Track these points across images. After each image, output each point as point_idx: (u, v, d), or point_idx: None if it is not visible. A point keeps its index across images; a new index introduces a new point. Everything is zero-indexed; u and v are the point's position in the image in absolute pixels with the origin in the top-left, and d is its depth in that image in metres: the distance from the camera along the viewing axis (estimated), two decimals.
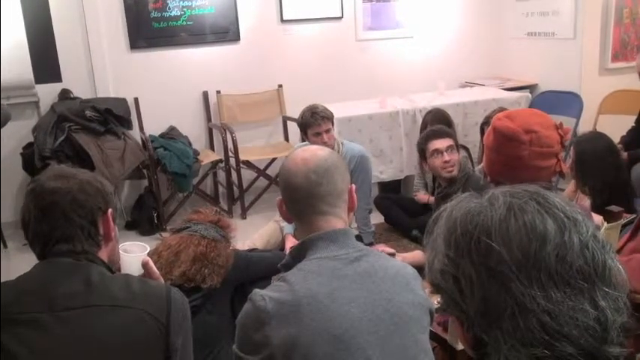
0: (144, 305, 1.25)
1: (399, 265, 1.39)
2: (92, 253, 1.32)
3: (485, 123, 3.59)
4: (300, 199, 1.39)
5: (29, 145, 4.28)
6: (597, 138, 2.97)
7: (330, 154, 1.45)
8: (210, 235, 2.25)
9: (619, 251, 1.95)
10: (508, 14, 5.50)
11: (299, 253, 1.37)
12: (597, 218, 1.88)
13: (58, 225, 1.29)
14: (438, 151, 3.08)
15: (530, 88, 5.19)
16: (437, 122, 3.81)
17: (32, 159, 4.12)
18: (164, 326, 1.24)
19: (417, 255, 3.17)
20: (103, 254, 1.37)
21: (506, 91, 4.91)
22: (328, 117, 3.49)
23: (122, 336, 1.20)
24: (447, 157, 3.05)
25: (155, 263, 2.21)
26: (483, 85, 5.30)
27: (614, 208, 1.63)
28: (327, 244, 1.35)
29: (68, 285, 1.24)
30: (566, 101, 4.72)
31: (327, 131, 3.48)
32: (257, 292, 1.28)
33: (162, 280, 1.43)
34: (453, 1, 5.50)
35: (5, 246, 4.24)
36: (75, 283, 1.24)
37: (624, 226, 2.18)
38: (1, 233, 4.21)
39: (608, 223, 1.61)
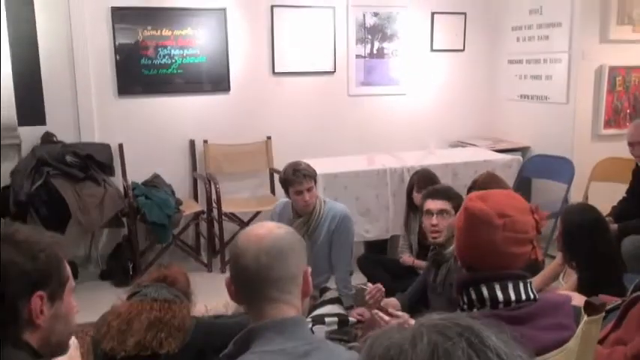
0: None
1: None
2: (13, 336, 1.18)
3: (472, 187, 3.50)
4: (247, 281, 1.27)
5: (6, 188, 4.17)
6: (586, 210, 2.86)
7: (287, 233, 1.33)
8: (162, 295, 2.11)
9: (601, 342, 1.82)
10: (502, 76, 5.50)
11: (243, 343, 1.24)
12: (579, 300, 1.75)
13: None
14: (429, 212, 2.93)
15: (522, 150, 5.13)
16: (423, 183, 3.72)
17: (7, 203, 4.01)
18: None
19: (391, 303, 2.95)
20: (32, 338, 1.22)
21: (497, 153, 4.84)
22: (311, 175, 3.39)
23: None
24: (434, 220, 2.88)
25: (105, 334, 2.08)
26: (475, 145, 5.24)
27: (594, 299, 1.51)
28: (274, 336, 1.22)
29: None
30: (558, 166, 4.65)
31: (309, 190, 3.38)
32: None
33: None
34: (448, 60, 5.50)
35: None
36: None
37: (609, 311, 2.06)
38: None
39: (588, 316, 1.49)
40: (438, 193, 2.80)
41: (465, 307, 1.45)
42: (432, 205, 2.76)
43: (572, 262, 2.75)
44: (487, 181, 3.47)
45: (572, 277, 2.79)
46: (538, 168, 4.81)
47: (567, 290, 2.84)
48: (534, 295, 1.44)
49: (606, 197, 4.02)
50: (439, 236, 2.77)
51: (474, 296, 1.43)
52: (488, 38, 5.54)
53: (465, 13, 5.44)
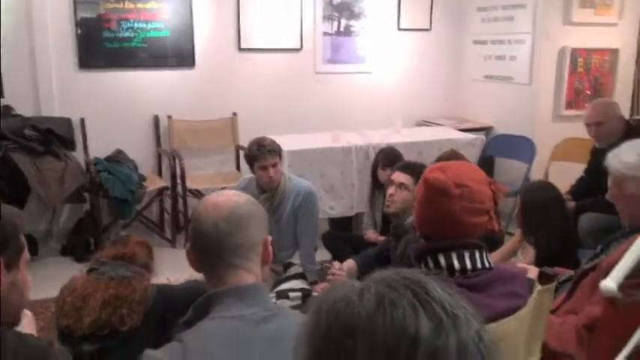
0: None
1: None
2: None
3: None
4: (207, 248, 1.27)
5: None
6: (544, 188, 2.93)
7: (246, 201, 1.33)
8: (120, 274, 2.08)
9: (554, 311, 1.87)
10: (467, 56, 5.54)
11: (202, 309, 1.24)
12: (534, 273, 1.80)
13: None
14: (391, 182, 2.95)
15: (486, 130, 5.20)
16: (387, 161, 3.76)
17: None
18: None
19: (349, 266, 3.07)
20: None
21: (461, 132, 4.91)
22: (275, 151, 3.38)
23: None
24: (391, 190, 2.90)
25: (60, 309, 2.05)
26: (440, 124, 5.29)
27: (547, 269, 1.56)
28: (233, 301, 1.22)
29: None
30: (520, 146, 4.73)
31: (274, 165, 3.38)
32: (148, 354, 1.15)
33: None
34: (415, 39, 5.51)
35: None
36: None
37: (562, 282, 2.12)
38: None
39: (542, 285, 1.54)
40: (406, 167, 2.84)
41: None
42: (396, 176, 2.82)
43: (530, 238, 2.82)
44: (450, 158, 3.52)
45: (530, 252, 2.86)
46: (500, 147, 4.90)
47: (513, 244, 2.94)
48: (490, 265, 1.47)
49: (566, 176, 4.12)
50: (391, 207, 2.83)
51: (431, 265, 1.46)
52: (454, 18, 5.57)
53: None
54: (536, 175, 4.58)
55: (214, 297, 1.24)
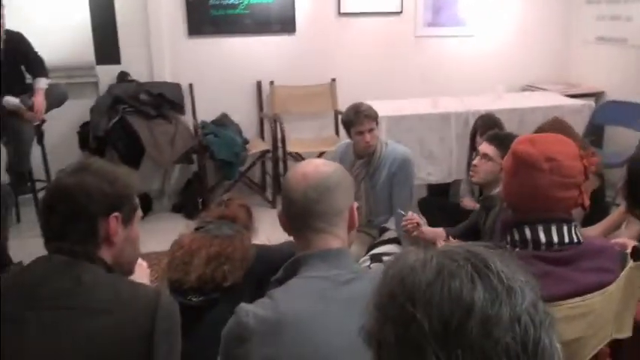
0: (127, 311, 1.25)
1: None
2: (91, 252, 1.33)
3: (538, 132, 3.43)
4: (296, 214, 1.36)
5: (86, 124, 4.43)
6: None
7: (335, 170, 1.40)
8: (223, 232, 2.24)
9: None
10: (577, 16, 5.23)
11: (291, 269, 1.35)
12: (630, 248, 1.75)
13: (55, 222, 1.32)
14: (478, 152, 2.91)
15: (596, 96, 4.93)
16: (487, 128, 3.66)
17: (87, 138, 4.28)
18: (147, 334, 1.24)
19: (439, 231, 3.07)
20: (106, 255, 1.37)
21: (568, 98, 4.68)
22: (372, 116, 3.42)
23: (98, 343, 1.20)
24: (476, 161, 2.81)
25: (170, 263, 2.25)
26: (545, 89, 5.07)
27: None
28: (319, 263, 1.31)
29: (58, 283, 1.26)
30: (632, 113, 4.45)
31: (370, 130, 3.42)
32: (242, 307, 1.27)
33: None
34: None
35: None
36: (64, 281, 1.26)
37: None
38: None
39: (635, 261, 1.50)
40: (493, 138, 2.77)
41: (508, 247, 1.49)
42: (482, 146, 2.76)
43: (635, 211, 2.69)
44: (553, 128, 3.38)
45: (635, 226, 2.73)
46: (612, 114, 4.63)
47: (627, 238, 2.80)
48: (578, 239, 1.46)
49: None
50: (475, 177, 2.79)
51: (516, 237, 1.46)
52: None
53: None
54: None
55: (302, 259, 1.34)
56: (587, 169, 1.45)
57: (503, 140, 2.69)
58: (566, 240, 1.44)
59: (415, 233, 2.95)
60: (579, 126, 4.18)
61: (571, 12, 5.28)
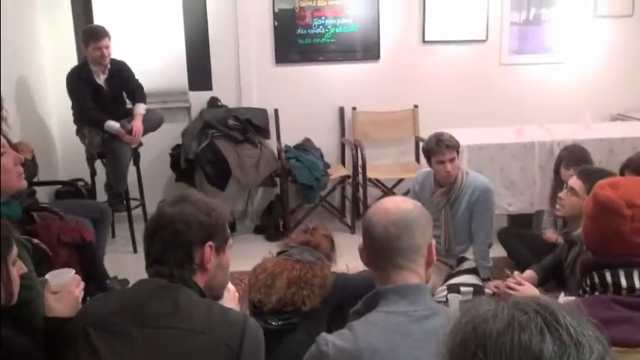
0: (219, 333, 1.36)
1: None
2: (187, 277, 1.46)
3: (626, 166, 3.33)
4: (377, 249, 1.43)
5: (177, 147, 4.69)
6: None
7: (414, 207, 1.47)
8: (305, 258, 2.34)
9: None
10: None
11: (371, 303, 1.41)
12: None
13: (157, 248, 1.46)
14: (566, 185, 2.85)
15: None
16: (573, 160, 3.59)
17: (178, 160, 4.53)
18: (236, 355, 1.35)
19: (528, 276, 2.88)
20: (200, 280, 1.50)
21: None
22: (453, 146, 3.44)
23: None
24: (562, 194, 2.75)
25: (253, 286, 2.37)
26: (637, 119, 4.89)
27: None
28: (398, 298, 1.37)
29: (159, 304, 1.39)
30: None
31: (451, 160, 3.43)
32: (323, 336, 1.35)
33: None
34: (613, 26, 5.14)
35: None
36: (165, 304, 1.39)
37: None
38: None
39: None
40: (583, 173, 2.71)
41: (588, 289, 1.49)
42: (571, 180, 2.71)
43: None
44: None
45: None
46: None
47: None
48: None
49: None
50: (560, 210, 2.72)
51: (596, 280, 1.46)
52: None
53: None
54: None
55: (382, 293, 1.40)
56: None
57: (592, 175, 2.62)
58: None
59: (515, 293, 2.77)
60: None
61: None
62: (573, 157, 3.63)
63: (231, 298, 1.76)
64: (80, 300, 1.68)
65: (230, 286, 1.74)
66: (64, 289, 1.64)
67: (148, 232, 1.50)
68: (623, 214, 1.42)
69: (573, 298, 1.79)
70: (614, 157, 4.18)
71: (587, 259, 1.52)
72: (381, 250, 1.42)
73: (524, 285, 2.26)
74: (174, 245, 1.45)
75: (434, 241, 1.46)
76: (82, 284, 1.70)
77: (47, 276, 1.68)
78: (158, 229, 1.47)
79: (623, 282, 1.43)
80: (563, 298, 2.06)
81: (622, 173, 3.35)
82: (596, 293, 1.46)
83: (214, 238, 1.50)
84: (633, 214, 1.41)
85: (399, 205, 1.45)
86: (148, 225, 1.51)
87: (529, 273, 2.94)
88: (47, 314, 1.60)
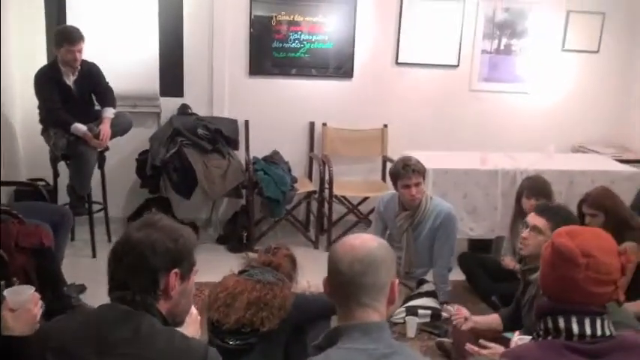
0: None
1: None
2: (150, 303, 1.45)
3: (584, 200, 3.44)
4: (341, 284, 1.45)
5: (144, 152, 4.64)
6: None
7: (380, 246, 1.49)
8: (266, 278, 2.36)
9: None
10: (636, 78, 5.21)
11: (332, 338, 1.43)
12: None
13: (122, 273, 1.45)
14: (527, 224, 2.89)
15: None
16: (534, 191, 3.69)
17: (144, 166, 4.48)
18: None
19: (492, 319, 2.92)
20: (163, 307, 1.49)
21: (620, 164, 4.65)
22: (420, 171, 3.50)
23: None
24: (525, 233, 2.75)
25: (213, 303, 2.37)
26: (597, 152, 5.05)
27: None
28: (359, 335, 1.39)
29: (118, 331, 1.38)
30: None
31: (417, 185, 3.50)
32: None
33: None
34: (580, 60, 5.31)
35: (110, 240, 4.59)
36: (125, 330, 1.38)
37: None
38: (108, 227, 4.57)
39: None
40: (544, 211, 2.75)
41: (542, 333, 1.54)
42: (532, 218, 2.73)
43: None
44: (600, 196, 3.40)
45: None
46: None
47: None
48: (611, 333, 1.50)
49: None
50: (524, 250, 2.74)
51: (550, 325, 1.51)
52: (627, 40, 5.27)
53: (603, 13, 5.20)
54: None
55: (343, 329, 1.42)
56: (624, 267, 1.50)
57: (554, 213, 2.68)
58: (599, 333, 1.48)
59: (467, 326, 2.81)
60: (629, 194, 4.14)
61: (631, 76, 5.27)
62: (535, 187, 3.73)
63: (192, 322, 1.76)
64: (38, 318, 1.65)
65: (193, 309, 1.74)
66: (22, 306, 1.61)
67: (113, 256, 1.49)
68: (578, 262, 1.47)
69: (529, 338, 1.85)
70: (575, 189, 4.31)
71: (542, 304, 1.57)
72: (346, 285, 1.44)
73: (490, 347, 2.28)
74: (139, 271, 1.45)
75: (397, 280, 1.49)
76: (41, 303, 1.68)
77: (5, 293, 1.65)
78: (124, 254, 1.46)
79: (575, 328, 1.48)
80: (517, 337, 2.12)
81: (579, 207, 3.46)
82: (549, 338, 1.51)
83: (180, 265, 1.50)
84: (588, 263, 1.47)
85: (365, 242, 1.48)
86: (114, 249, 1.50)
87: (495, 318, 2.94)
88: (3, 332, 1.58)
